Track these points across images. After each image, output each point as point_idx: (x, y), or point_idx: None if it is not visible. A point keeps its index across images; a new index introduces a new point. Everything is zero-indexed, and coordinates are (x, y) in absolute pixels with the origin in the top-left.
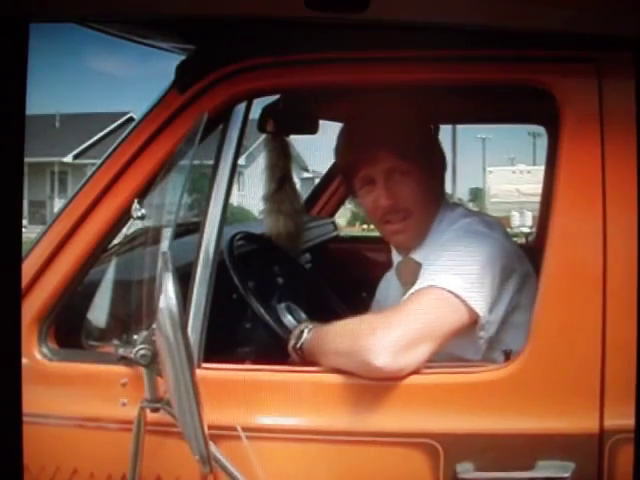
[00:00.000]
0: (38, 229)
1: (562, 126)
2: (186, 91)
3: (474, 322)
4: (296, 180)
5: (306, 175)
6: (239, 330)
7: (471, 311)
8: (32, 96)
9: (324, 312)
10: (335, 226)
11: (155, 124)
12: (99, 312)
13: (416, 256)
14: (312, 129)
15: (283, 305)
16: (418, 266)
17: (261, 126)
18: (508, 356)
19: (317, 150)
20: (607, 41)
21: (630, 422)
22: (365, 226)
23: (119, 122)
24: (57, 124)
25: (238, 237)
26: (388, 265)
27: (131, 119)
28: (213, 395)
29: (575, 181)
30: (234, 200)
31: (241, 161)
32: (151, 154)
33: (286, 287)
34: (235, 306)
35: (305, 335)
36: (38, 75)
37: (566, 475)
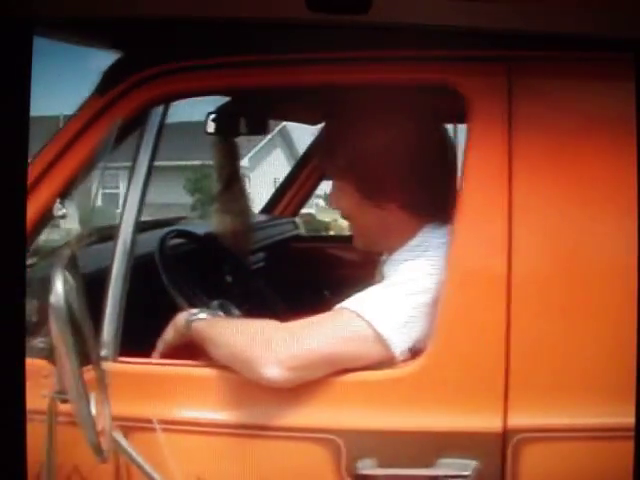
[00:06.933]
0: None
1: (470, 126)
2: (106, 94)
3: (389, 359)
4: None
5: None
6: (163, 326)
7: (388, 350)
8: (36, 97)
9: (262, 312)
10: (296, 225)
11: (78, 125)
12: None
13: (384, 267)
14: (261, 129)
15: (216, 302)
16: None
17: (207, 127)
18: (414, 354)
19: None
20: (518, 39)
21: (534, 421)
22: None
23: None
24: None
25: (171, 235)
26: (350, 264)
27: None
28: (128, 388)
29: (480, 177)
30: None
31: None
32: (73, 155)
33: (223, 285)
34: (162, 302)
35: (201, 315)
36: (42, 76)
37: (467, 473)
